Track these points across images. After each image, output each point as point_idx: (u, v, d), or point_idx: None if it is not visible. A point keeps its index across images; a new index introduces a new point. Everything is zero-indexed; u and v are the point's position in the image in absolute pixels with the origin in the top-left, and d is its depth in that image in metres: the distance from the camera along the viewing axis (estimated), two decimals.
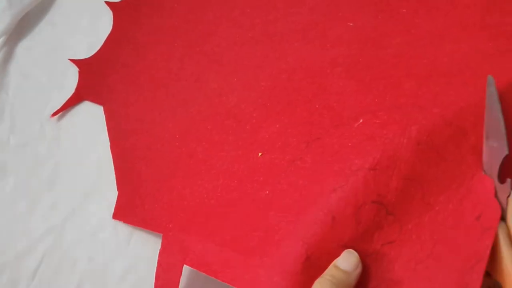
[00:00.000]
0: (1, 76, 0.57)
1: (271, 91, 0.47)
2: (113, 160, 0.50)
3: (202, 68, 0.52)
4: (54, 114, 0.54)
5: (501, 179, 0.33)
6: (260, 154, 0.43)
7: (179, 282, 0.40)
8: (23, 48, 0.59)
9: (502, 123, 0.33)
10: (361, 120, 0.39)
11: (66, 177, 0.51)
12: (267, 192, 0.40)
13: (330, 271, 0.34)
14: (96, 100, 0.55)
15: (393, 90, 0.40)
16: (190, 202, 0.44)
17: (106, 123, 0.53)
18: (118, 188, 0.49)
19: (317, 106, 0.43)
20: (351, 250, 0.34)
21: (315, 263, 0.35)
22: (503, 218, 0.32)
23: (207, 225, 0.42)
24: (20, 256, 0.48)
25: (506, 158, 0.33)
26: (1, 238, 0.49)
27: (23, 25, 0.60)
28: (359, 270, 0.34)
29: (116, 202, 0.48)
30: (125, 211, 0.47)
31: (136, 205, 0.47)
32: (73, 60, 0.57)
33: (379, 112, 0.39)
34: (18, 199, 0.51)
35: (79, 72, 0.56)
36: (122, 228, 0.47)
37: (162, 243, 0.43)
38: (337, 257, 0.34)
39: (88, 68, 0.57)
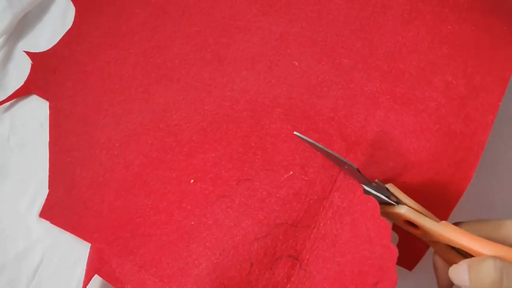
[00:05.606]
0: (1, 76, 0.53)
1: (213, 117, 0.43)
2: (49, 157, 0.47)
3: (152, 80, 0.48)
4: (0, 103, 0.50)
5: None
6: (192, 181, 0.40)
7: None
8: (23, 48, 0.54)
9: (335, 154, 0.33)
10: (291, 173, 0.37)
11: None
12: (193, 222, 0.38)
13: None
14: (43, 94, 0.51)
15: None
16: (120, 215, 0.42)
17: (49, 119, 0.49)
18: (50, 187, 0.46)
19: (252, 144, 0.40)
20: None
21: None
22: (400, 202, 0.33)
23: (130, 243, 0.40)
24: (20, 256, 0.44)
25: (359, 170, 0.33)
26: (1, 238, 0.45)
27: (23, 25, 0.55)
28: None
29: (46, 201, 0.45)
30: (53, 212, 0.44)
31: (66, 207, 0.44)
32: (27, 53, 0.53)
33: (309, 168, 0.37)
34: (18, 199, 0.47)
35: (32, 65, 0.52)
36: None
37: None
38: None
39: (41, 62, 0.52)
